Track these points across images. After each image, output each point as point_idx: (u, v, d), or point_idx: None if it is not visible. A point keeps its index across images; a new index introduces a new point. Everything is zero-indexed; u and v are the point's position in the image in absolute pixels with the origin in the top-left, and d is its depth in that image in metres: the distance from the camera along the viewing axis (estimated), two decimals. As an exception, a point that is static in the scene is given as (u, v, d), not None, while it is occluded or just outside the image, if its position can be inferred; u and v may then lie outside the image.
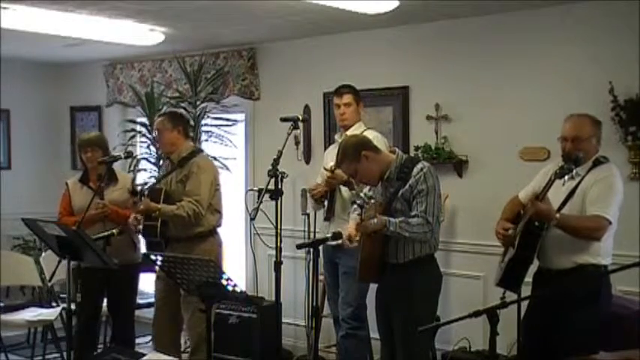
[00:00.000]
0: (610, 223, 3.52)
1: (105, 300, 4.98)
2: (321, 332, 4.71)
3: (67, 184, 4.98)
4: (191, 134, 6.29)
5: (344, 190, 4.58)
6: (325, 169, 4.63)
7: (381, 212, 3.69)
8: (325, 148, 5.82)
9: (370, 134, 4.65)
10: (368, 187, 3.98)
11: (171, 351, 4.76)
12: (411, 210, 3.68)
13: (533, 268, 3.74)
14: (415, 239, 3.66)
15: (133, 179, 5.07)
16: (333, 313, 4.87)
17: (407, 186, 3.68)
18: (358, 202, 3.94)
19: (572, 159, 3.57)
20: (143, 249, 5.04)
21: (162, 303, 4.81)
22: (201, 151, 5.05)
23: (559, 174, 3.53)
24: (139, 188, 4.60)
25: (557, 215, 3.51)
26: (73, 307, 4.14)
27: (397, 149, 3.91)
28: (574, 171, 3.63)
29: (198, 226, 4.61)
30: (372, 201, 3.80)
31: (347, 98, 4.72)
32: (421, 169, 3.69)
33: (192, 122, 6.35)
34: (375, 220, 3.62)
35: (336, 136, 4.89)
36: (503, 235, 3.78)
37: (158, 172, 5.07)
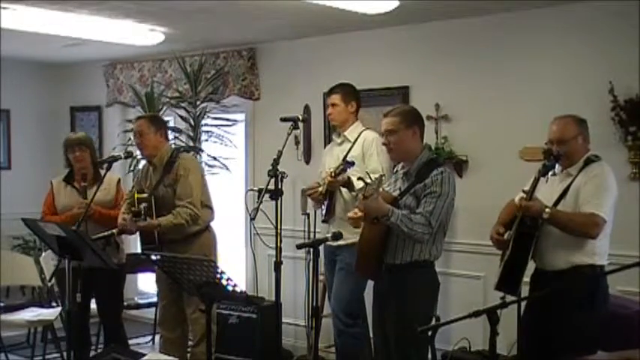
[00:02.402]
0: (604, 220, 3.52)
1: (93, 302, 4.98)
2: (321, 332, 4.69)
3: (51, 183, 4.98)
4: (191, 134, 6.35)
5: (344, 191, 4.57)
6: (330, 170, 4.60)
7: (389, 203, 3.65)
8: (325, 149, 5.83)
9: (370, 135, 4.65)
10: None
11: (180, 347, 4.81)
12: (418, 207, 3.65)
13: (531, 269, 3.74)
14: (412, 237, 3.60)
15: (119, 180, 5.05)
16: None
17: (422, 184, 3.65)
18: (365, 179, 3.85)
19: (553, 155, 3.60)
20: (137, 250, 5.04)
21: (167, 302, 4.84)
22: (182, 150, 5.05)
23: (542, 171, 3.60)
24: (142, 204, 4.57)
25: (547, 210, 3.52)
26: (72, 307, 4.14)
27: (426, 148, 3.87)
28: (560, 170, 3.66)
29: (194, 226, 4.62)
30: (375, 176, 3.75)
31: (333, 99, 4.73)
32: (441, 172, 3.65)
33: (192, 122, 6.37)
34: (378, 202, 3.54)
35: (334, 136, 4.88)
36: (497, 240, 3.78)
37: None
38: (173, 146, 5.35)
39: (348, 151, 4.58)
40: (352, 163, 4.43)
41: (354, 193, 4.43)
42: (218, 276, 3.44)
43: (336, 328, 4.73)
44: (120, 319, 5.06)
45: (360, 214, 3.76)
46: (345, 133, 4.69)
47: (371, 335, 4.67)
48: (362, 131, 4.65)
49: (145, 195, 4.64)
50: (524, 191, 3.66)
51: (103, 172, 4.71)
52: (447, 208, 3.66)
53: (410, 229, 3.56)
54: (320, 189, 4.63)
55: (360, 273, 3.98)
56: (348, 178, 4.45)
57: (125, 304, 5.57)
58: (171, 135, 6.06)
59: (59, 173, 5.07)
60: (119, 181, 5.04)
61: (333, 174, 4.46)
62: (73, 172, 4.91)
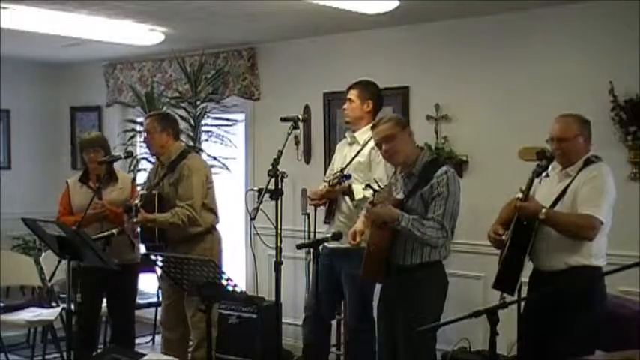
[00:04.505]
0: (601, 223, 3.51)
1: (104, 300, 4.98)
2: (321, 332, 4.70)
3: (67, 183, 4.98)
4: (191, 134, 6.35)
5: (346, 199, 4.53)
6: (325, 181, 4.55)
7: (395, 207, 3.65)
8: (325, 148, 5.83)
9: None
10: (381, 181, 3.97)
11: (181, 348, 4.81)
12: (427, 212, 3.65)
13: (530, 269, 3.74)
14: (426, 242, 3.61)
15: (134, 179, 5.07)
16: (311, 311, 4.64)
17: (428, 186, 3.65)
18: (374, 186, 3.85)
19: (546, 157, 3.61)
20: (142, 249, 5.02)
21: (169, 302, 4.84)
22: (191, 151, 5.04)
23: (536, 172, 3.60)
24: (135, 200, 4.58)
25: (544, 211, 3.52)
26: (73, 307, 4.15)
27: (425, 148, 3.88)
28: (558, 169, 3.68)
29: (195, 227, 4.62)
30: (385, 185, 3.77)
31: (350, 94, 4.59)
32: (445, 172, 3.68)
33: (192, 122, 6.37)
34: (388, 209, 3.58)
35: (347, 133, 4.76)
36: (495, 239, 3.79)
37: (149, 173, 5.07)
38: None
39: (354, 157, 4.50)
40: (349, 177, 4.39)
41: (354, 202, 4.40)
42: (218, 276, 3.45)
43: (350, 334, 4.68)
44: (132, 318, 5.05)
45: (359, 232, 3.80)
46: (356, 134, 4.55)
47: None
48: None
49: (145, 192, 4.66)
50: (521, 190, 3.67)
51: (105, 173, 4.72)
52: (456, 208, 3.69)
53: (422, 232, 3.57)
54: (319, 200, 4.54)
55: (367, 277, 3.96)
56: (349, 186, 4.42)
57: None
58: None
59: (59, 173, 5.08)
60: (133, 180, 5.05)
61: (330, 184, 4.42)
62: (88, 172, 4.91)
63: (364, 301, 4.55)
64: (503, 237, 3.75)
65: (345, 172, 4.40)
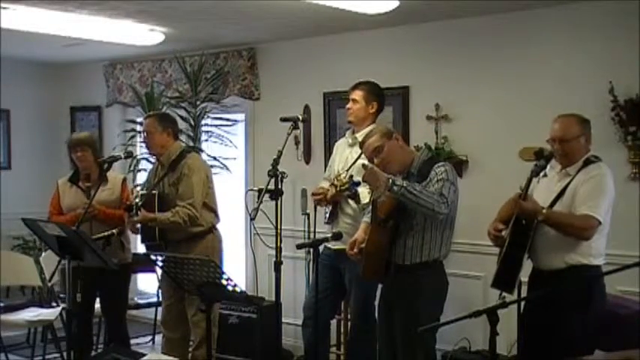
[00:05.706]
0: (599, 222, 3.50)
1: (97, 301, 4.98)
2: (321, 332, 4.69)
3: (57, 183, 4.99)
4: (191, 134, 6.35)
5: (351, 202, 4.51)
6: (333, 183, 4.51)
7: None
8: (325, 148, 5.82)
9: None
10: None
11: (181, 348, 4.81)
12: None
13: (529, 268, 3.74)
14: (425, 204, 3.56)
15: (124, 179, 5.05)
16: (310, 311, 4.61)
17: (427, 180, 3.68)
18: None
19: (544, 156, 3.62)
20: (137, 249, 5.03)
21: (170, 302, 4.83)
22: (191, 150, 5.04)
23: (534, 171, 3.61)
24: (136, 199, 4.57)
25: (544, 211, 3.52)
26: (72, 306, 4.15)
27: (423, 147, 3.90)
28: (557, 169, 3.69)
29: (196, 227, 4.62)
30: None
31: (355, 94, 4.55)
32: (443, 165, 3.73)
33: (192, 122, 6.37)
34: (377, 173, 3.61)
35: (347, 133, 4.72)
36: (495, 236, 3.79)
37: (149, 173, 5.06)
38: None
39: (356, 159, 4.48)
40: (358, 184, 4.37)
41: (359, 205, 4.39)
42: (219, 276, 3.45)
43: (352, 334, 4.68)
44: (124, 318, 5.05)
45: (359, 243, 3.84)
46: (358, 135, 4.49)
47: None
48: None
49: (145, 192, 4.65)
50: (519, 196, 3.66)
51: (102, 173, 4.71)
52: (455, 194, 3.69)
53: (420, 192, 3.55)
54: (327, 194, 4.48)
55: (367, 277, 3.96)
56: (355, 190, 4.40)
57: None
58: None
59: (59, 173, 5.07)
60: (124, 180, 5.04)
61: (338, 188, 4.40)
62: (78, 172, 4.91)
63: (367, 301, 4.53)
64: (503, 233, 3.75)
65: (354, 179, 4.38)
